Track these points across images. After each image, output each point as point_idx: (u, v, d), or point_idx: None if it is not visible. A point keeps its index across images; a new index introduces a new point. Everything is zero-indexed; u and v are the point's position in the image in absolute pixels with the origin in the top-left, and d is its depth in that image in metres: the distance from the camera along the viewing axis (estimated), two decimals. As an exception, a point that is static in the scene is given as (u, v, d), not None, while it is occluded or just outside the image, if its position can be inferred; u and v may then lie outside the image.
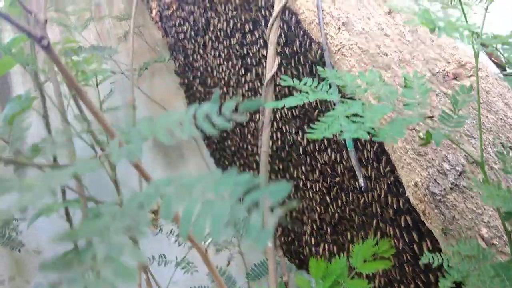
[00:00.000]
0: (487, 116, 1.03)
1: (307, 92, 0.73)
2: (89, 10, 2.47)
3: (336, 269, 0.95)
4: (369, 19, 1.27)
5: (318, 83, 0.93)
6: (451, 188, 0.97)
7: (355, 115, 0.64)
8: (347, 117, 0.64)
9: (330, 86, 0.80)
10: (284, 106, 1.88)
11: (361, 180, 1.39)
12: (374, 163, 1.36)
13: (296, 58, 1.70)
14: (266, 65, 1.76)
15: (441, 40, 1.22)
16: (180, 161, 3.21)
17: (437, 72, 1.13)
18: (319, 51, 1.46)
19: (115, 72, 2.18)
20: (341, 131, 0.60)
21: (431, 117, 1.06)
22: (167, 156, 3.25)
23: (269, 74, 1.47)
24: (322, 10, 1.39)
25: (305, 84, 0.77)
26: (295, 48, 1.69)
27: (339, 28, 1.32)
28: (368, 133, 0.59)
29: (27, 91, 2.30)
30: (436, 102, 1.09)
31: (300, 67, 1.70)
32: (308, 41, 1.57)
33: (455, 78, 1.10)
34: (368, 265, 1.02)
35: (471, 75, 1.09)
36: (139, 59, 3.08)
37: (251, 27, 1.97)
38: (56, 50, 1.44)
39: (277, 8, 1.47)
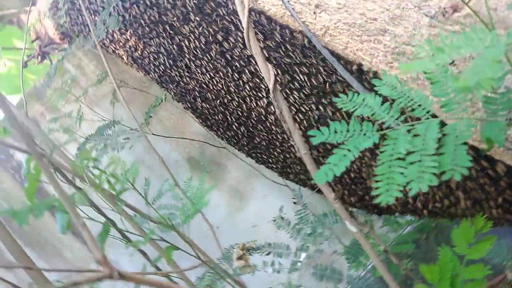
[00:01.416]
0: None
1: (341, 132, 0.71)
2: (69, 90, 2.45)
3: (447, 266, 0.96)
4: (339, -9, 1.21)
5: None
6: (507, 124, 0.95)
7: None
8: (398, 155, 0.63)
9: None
10: (293, 90, 1.85)
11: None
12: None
13: (283, 48, 1.65)
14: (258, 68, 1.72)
15: (420, -25, 1.15)
16: (222, 170, 3.26)
17: (434, 14, 1.08)
18: (306, 39, 1.41)
19: (128, 138, 2.20)
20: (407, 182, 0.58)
21: (452, 63, 1.03)
22: (210, 173, 3.30)
23: (270, 83, 1.44)
24: (288, 1, 1.33)
25: (336, 132, 0.75)
26: (277, 40, 1.64)
27: (314, 13, 1.27)
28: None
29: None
30: (449, 45, 1.04)
31: (291, 54, 1.65)
32: (288, 32, 1.51)
33: (455, 11, 1.05)
34: (476, 248, 1.02)
35: (468, 1, 1.03)
36: (136, 104, 3.08)
37: (223, 35, 1.92)
38: (78, 169, 1.47)
39: (244, 20, 1.42)
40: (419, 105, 0.69)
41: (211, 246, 1.95)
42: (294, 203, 2.00)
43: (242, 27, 1.68)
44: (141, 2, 2.12)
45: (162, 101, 2.44)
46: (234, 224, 3.26)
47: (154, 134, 2.64)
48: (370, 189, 2.07)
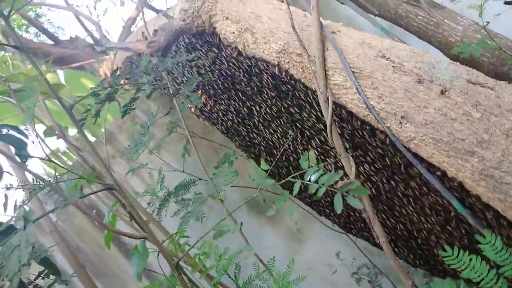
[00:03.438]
0: None
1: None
2: (145, 144, 2.59)
3: None
4: (426, 108, 1.29)
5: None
6: None
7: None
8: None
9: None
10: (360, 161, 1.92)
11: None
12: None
13: (359, 132, 1.74)
14: (330, 139, 1.82)
15: (507, 100, 1.21)
16: (280, 212, 3.37)
17: (523, 143, 1.14)
18: (387, 138, 1.50)
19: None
20: None
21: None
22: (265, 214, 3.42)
23: (351, 176, 1.54)
24: (373, 107, 1.42)
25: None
26: (355, 126, 1.73)
27: (400, 123, 1.35)
28: None
29: (142, 243, 2.52)
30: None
31: (367, 139, 1.74)
32: (368, 128, 1.61)
33: (545, 144, 1.11)
34: None
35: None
36: (201, 149, 3.24)
37: (297, 110, 2.03)
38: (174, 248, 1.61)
39: (328, 118, 1.52)
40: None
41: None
42: (369, 282, 2.07)
43: (322, 116, 1.78)
44: (216, 71, 2.27)
45: (231, 155, 2.58)
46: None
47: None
48: (437, 255, 2.12)
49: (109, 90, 1.82)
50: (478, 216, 1.44)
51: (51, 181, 1.35)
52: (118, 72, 1.43)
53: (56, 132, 2.58)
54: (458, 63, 1.37)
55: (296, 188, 1.00)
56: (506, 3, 1.77)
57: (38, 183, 1.38)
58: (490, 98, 1.23)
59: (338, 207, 0.86)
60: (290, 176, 1.31)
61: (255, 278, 1.52)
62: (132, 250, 2.53)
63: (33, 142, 1.89)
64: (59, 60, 3.29)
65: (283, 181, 1.36)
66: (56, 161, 4.52)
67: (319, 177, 0.95)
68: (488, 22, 1.90)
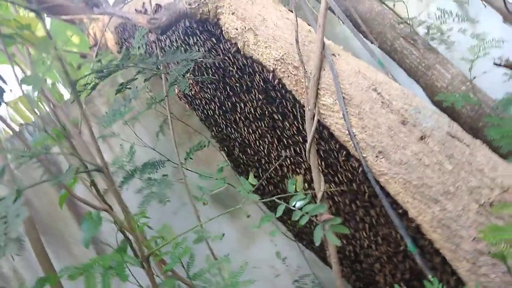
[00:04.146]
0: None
1: None
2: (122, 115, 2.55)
3: None
4: (404, 149, 1.36)
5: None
6: None
7: None
8: None
9: None
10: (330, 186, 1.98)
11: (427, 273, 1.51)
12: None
13: (334, 154, 1.80)
14: (305, 152, 1.87)
15: (479, 160, 1.29)
16: (239, 208, 3.41)
17: (483, 202, 1.22)
18: (360, 167, 1.56)
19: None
20: None
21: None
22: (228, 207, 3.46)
23: (319, 194, 1.59)
24: (355, 135, 1.48)
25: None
26: (332, 147, 1.79)
27: (376, 156, 1.41)
28: None
29: (98, 212, 2.51)
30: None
31: (342, 164, 1.80)
32: (344, 152, 1.66)
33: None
34: None
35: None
36: (175, 131, 3.23)
37: (280, 117, 2.07)
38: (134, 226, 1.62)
39: (310, 135, 1.57)
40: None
41: None
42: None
43: (303, 130, 1.83)
44: (209, 60, 2.27)
45: (205, 146, 2.59)
46: (238, 261, 3.41)
47: (188, 169, 2.79)
48: (377, 282, 2.22)
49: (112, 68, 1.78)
50: (426, 257, 1.52)
51: (40, 150, 1.33)
52: (129, 56, 1.41)
53: (34, 82, 2.50)
54: (442, 112, 1.44)
55: (279, 211, 1.04)
56: (495, 64, 1.87)
57: (27, 151, 1.35)
58: (464, 154, 1.31)
59: (317, 239, 0.90)
60: (276, 197, 1.35)
61: (206, 272, 1.55)
62: (85, 215, 2.50)
63: (10, 91, 1.83)
64: (51, 9, 3.19)
65: (267, 199, 1.39)
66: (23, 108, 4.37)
67: (304, 205, 0.98)
68: (475, 77, 2.00)
